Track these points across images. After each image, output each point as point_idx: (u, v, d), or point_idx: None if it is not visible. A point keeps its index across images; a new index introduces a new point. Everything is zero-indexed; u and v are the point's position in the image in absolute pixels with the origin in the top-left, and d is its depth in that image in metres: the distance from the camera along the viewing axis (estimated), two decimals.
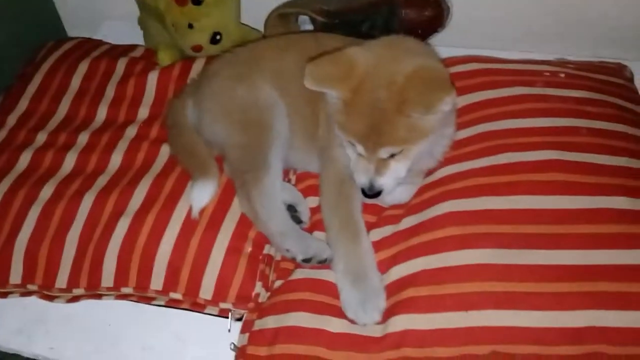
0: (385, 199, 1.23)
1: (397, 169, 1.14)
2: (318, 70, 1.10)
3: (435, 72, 1.08)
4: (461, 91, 1.35)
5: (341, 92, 1.10)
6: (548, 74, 1.39)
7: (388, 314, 1.10)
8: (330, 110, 1.16)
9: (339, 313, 1.12)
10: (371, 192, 1.15)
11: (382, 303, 1.11)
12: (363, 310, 1.10)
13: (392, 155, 1.12)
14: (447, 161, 1.24)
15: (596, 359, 1.01)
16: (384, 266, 1.16)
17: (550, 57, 1.52)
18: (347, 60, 1.11)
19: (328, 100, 1.16)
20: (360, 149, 1.13)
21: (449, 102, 1.07)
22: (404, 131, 1.08)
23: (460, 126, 1.29)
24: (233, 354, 1.15)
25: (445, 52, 1.39)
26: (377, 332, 1.09)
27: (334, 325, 1.11)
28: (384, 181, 1.14)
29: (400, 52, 1.12)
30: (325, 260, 1.18)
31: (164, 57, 1.65)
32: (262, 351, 1.12)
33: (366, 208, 1.24)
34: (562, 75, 1.39)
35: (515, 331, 1.03)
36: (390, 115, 1.06)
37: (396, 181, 1.16)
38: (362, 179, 1.15)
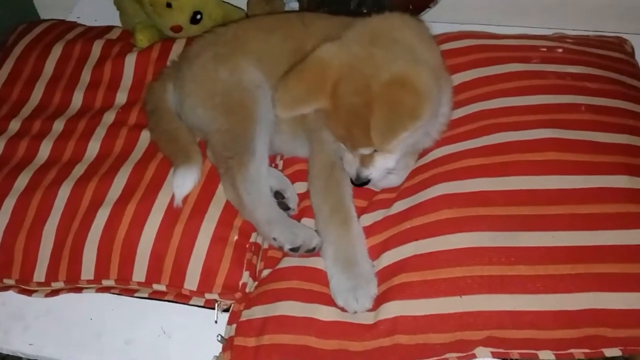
0: (377, 183, 1.25)
1: (383, 162, 1.17)
2: (288, 95, 1.12)
3: (409, 89, 1.06)
4: (455, 69, 1.37)
5: (320, 105, 1.12)
6: (545, 49, 1.41)
7: (380, 300, 1.12)
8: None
9: (329, 301, 1.15)
10: (358, 182, 1.19)
11: (373, 290, 1.13)
12: (354, 298, 1.12)
13: (375, 150, 1.15)
14: (440, 142, 1.27)
15: (595, 342, 1.04)
16: (375, 252, 1.19)
17: (548, 32, 1.54)
18: (318, 67, 1.12)
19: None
20: (343, 145, 1.17)
21: (409, 133, 1.09)
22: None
23: (453, 105, 1.31)
24: (220, 345, 1.17)
25: (438, 28, 1.41)
26: (368, 319, 1.12)
27: (324, 313, 1.14)
28: (370, 172, 1.18)
29: (380, 50, 1.11)
30: (313, 249, 1.21)
31: (142, 39, 1.66)
32: (251, 342, 1.14)
33: (357, 192, 1.26)
34: (560, 50, 1.41)
35: (511, 315, 1.06)
36: (362, 121, 1.08)
37: (384, 171, 1.19)
38: (348, 169, 1.20)
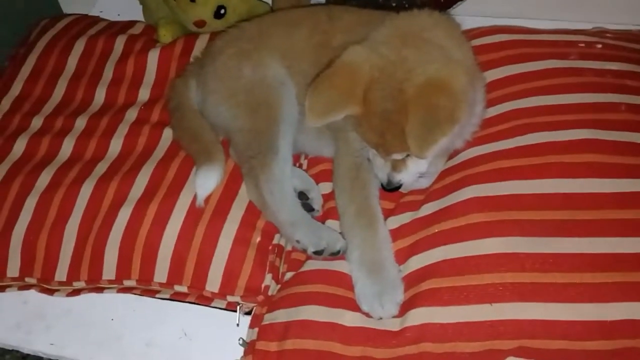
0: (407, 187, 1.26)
1: (414, 166, 1.17)
2: (319, 102, 1.11)
3: (445, 92, 1.05)
4: (487, 65, 1.36)
5: (351, 112, 1.12)
6: (583, 44, 1.40)
7: (406, 306, 1.12)
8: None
9: (353, 306, 1.15)
10: (390, 187, 1.19)
11: (399, 295, 1.14)
12: (379, 303, 1.13)
13: (408, 155, 1.15)
14: (471, 143, 1.27)
15: (630, 355, 1.03)
16: (403, 256, 1.19)
17: (586, 27, 1.52)
18: (348, 72, 1.11)
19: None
20: (373, 151, 1.17)
21: (447, 138, 1.07)
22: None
23: (486, 104, 1.30)
24: (242, 349, 1.19)
25: (469, 22, 1.40)
26: (394, 326, 1.12)
27: (348, 319, 1.14)
28: (402, 177, 1.18)
29: (411, 51, 1.10)
30: (338, 252, 1.21)
31: (165, 34, 1.68)
32: (273, 346, 1.16)
33: (383, 194, 1.26)
34: (599, 46, 1.39)
35: (543, 325, 1.05)
36: (396, 127, 1.08)
37: (416, 175, 1.19)
38: (380, 174, 1.20)
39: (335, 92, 1.11)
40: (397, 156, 1.15)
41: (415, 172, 1.18)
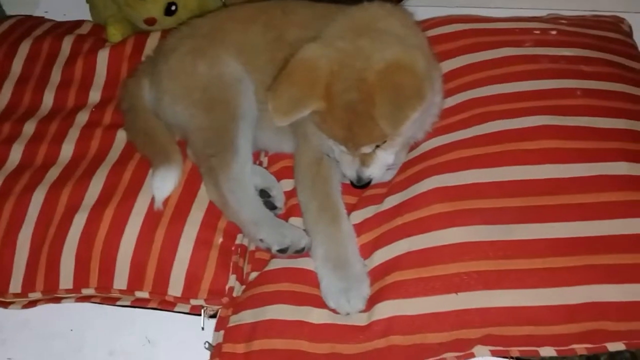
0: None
1: (383, 158, 1.20)
2: (282, 101, 1.13)
3: (408, 72, 1.09)
4: (444, 56, 1.40)
5: (315, 107, 1.13)
6: (538, 32, 1.44)
7: (373, 300, 1.15)
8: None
9: (320, 303, 1.17)
10: (360, 184, 1.21)
11: (365, 290, 1.16)
12: (346, 299, 1.15)
13: (377, 146, 1.17)
14: (430, 134, 1.30)
15: (596, 337, 1.08)
16: (367, 250, 1.21)
17: (541, 14, 1.56)
18: (306, 69, 1.13)
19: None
20: (342, 147, 1.19)
21: (417, 115, 1.11)
22: (376, 128, 1.12)
23: (443, 94, 1.33)
24: (208, 353, 1.19)
25: (424, 12, 1.43)
26: (362, 320, 1.14)
27: (315, 316, 1.16)
28: (372, 171, 1.20)
29: (367, 41, 1.13)
30: (302, 250, 1.23)
31: (115, 33, 1.67)
32: (240, 348, 1.17)
33: (345, 189, 1.29)
34: (554, 32, 1.44)
35: (509, 312, 1.09)
36: (365, 117, 1.11)
37: (385, 168, 1.22)
38: (348, 172, 1.21)
39: (296, 90, 1.13)
40: (366, 149, 1.17)
41: (384, 164, 1.21)
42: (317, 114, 1.16)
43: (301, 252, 1.23)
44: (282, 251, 1.23)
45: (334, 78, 1.12)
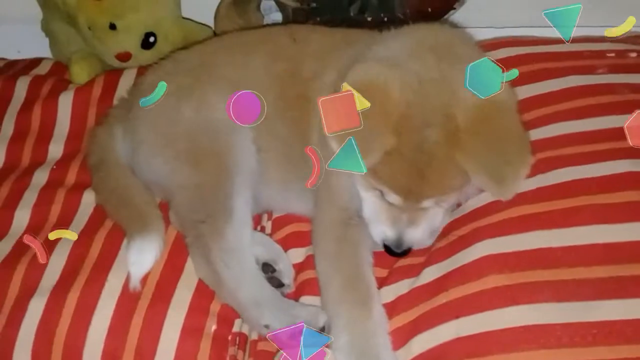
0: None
1: (434, 217, 1.21)
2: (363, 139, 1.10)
3: (505, 112, 1.12)
4: None
5: (386, 143, 1.12)
6: (613, 54, 1.45)
7: None
8: None
9: None
10: (399, 250, 1.21)
11: None
12: None
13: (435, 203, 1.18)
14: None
15: None
16: (402, 336, 1.19)
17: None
18: (375, 96, 1.11)
19: None
20: (394, 198, 1.18)
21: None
22: (454, 178, 1.14)
23: None
24: None
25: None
26: None
27: None
28: (417, 234, 1.21)
29: (448, 67, 1.14)
30: (322, 330, 1.20)
31: (79, 72, 1.71)
32: None
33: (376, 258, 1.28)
34: (633, 55, 1.45)
35: None
36: (442, 162, 1.12)
37: (431, 233, 1.22)
38: (388, 232, 1.21)
39: (369, 123, 1.10)
40: (428, 203, 1.17)
41: (436, 225, 1.21)
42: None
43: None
44: None
45: (411, 110, 1.13)
